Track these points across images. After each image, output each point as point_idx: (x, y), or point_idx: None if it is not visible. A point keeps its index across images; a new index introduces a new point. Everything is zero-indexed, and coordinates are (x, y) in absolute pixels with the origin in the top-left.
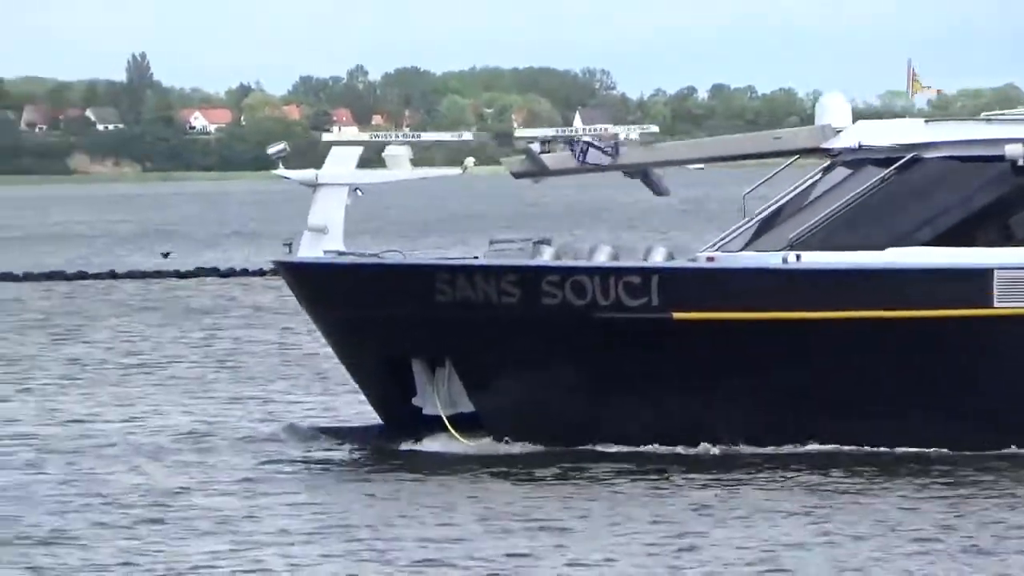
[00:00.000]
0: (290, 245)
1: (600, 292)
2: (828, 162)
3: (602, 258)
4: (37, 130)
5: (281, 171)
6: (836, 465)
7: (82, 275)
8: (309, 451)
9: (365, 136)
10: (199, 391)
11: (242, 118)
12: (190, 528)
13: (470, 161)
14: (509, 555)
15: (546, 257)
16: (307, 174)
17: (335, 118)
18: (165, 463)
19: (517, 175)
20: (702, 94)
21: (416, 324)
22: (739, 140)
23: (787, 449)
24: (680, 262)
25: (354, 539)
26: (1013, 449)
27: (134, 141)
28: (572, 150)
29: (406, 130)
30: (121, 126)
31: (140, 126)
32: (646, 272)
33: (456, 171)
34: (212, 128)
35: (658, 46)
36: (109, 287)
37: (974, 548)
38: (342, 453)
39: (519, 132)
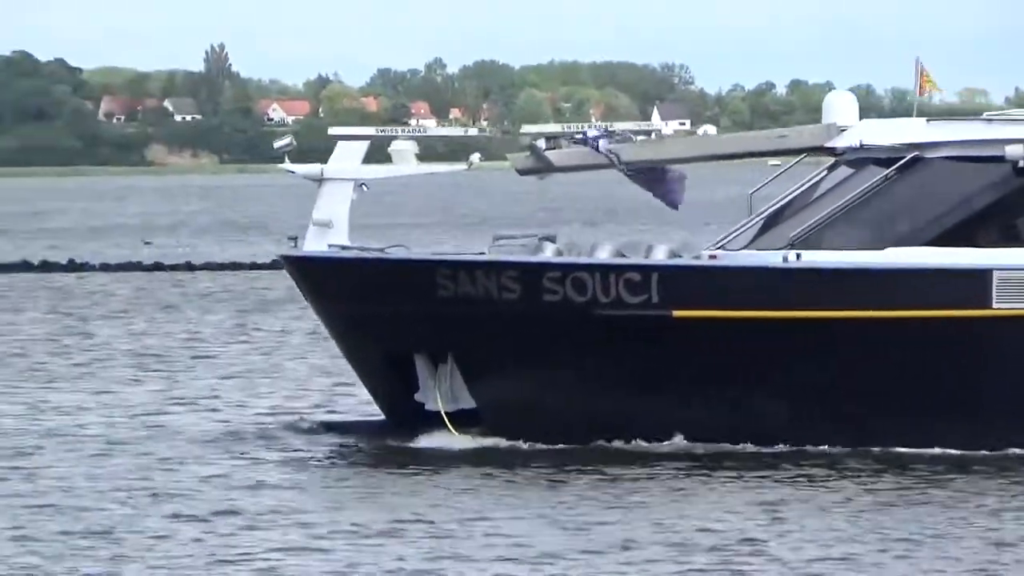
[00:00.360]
0: (295, 239)
1: (601, 289)
2: (832, 161)
3: (604, 255)
4: (115, 121)
5: (287, 165)
6: (837, 465)
7: (159, 266)
8: (300, 447)
9: (371, 131)
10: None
11: (320, 110)
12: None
13: (476, 157)
14: (499, 559)
15: (549, 254)
16: (312, 169)
17: (413, 111)
18: (190, 454)
19: (522, 172)
20: (780, 90)
21: (418, 319)
22: (744, 138)
23: (784, 448)
24: (681, 260)
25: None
26: (1012, 451)
27: (211, 132)
28: (587, 144)
29: (416, 125)
30: (199, 117)
31: (218, 117)
32: (646, 269)
33: (462, 167)
34: (290, 120)
35: (737, 41)
36: (185, 278)
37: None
38: (336, 448)
39: (525, 128)
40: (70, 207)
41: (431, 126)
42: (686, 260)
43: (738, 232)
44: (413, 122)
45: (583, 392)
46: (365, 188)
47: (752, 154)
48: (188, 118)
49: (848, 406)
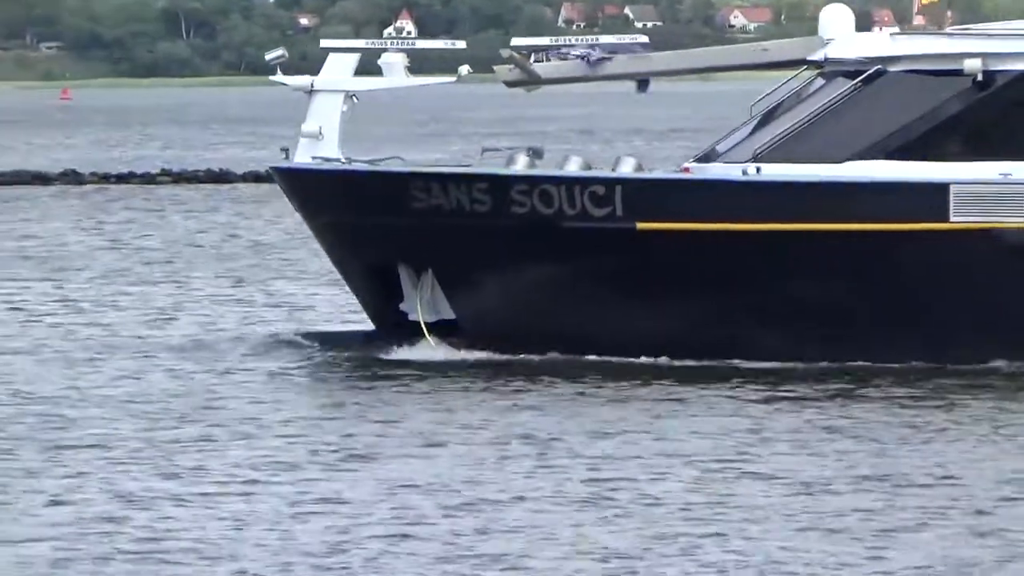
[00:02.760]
0: (287, 151)
1: (567, 201)
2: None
3: (573, 168)
4: (575, 28)
5: (278, 77)
6: (793, 379)
7: None
8: (282, 359)
9: (360, 43)
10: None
11: (783, 17)
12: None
13: (464, 69)
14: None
15: (520, 166)
16: (303, 80)
17: (875, 19)
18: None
19: (510, 84)
20: None
21: (396, 231)
22: (727, 51)
23: (746, 363)
24: (644, 173)
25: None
26: (970, 366)
27: (672, 40)
28: (564, 58)
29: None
30: (659, 24)
31: (679, 25)
32: (610, 182)
33: (451, 79)
34: (752, 27)
35: None
36: None
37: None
38: (318, 359)
39: (514, 41)
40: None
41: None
42: (649, 173)
43: (716, 145)
44: (876, 30)
45: (553, 305)
46: (355, 100)
47: (735, 67)
48: (648, 25)
49: (807, 320)
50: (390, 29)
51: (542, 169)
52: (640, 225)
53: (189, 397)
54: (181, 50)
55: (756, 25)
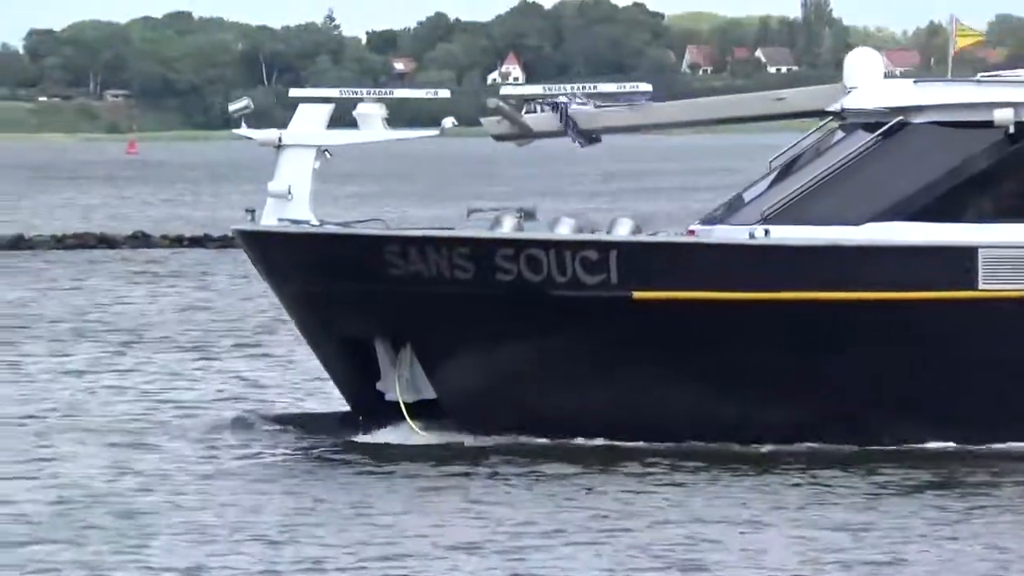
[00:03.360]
0: (253, 212)
1: (556, 268)
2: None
3: (563, 230)
4: (700, 73)
5: (243, 131)
6: (808, 462)
7: None
8: (254, 442)
9: (334, 92)
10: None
11: (932, 61)
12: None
13: (449, 121)
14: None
15: (506, 228)
16: (269, 134)
17: None
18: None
19: (498, 138)
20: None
21: (371, 300)
22: (739, 101)
23: (752, 448)
24: (641, 237)
25: (267, 540)
26: (998, 446)
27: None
28: (558, 112)
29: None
30: (795, 69)
31: (816, 69)
32: (604, 247)
33: (433, 132)
34: (898, 72)
35: None
36: None
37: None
38: (290, 444)
39: (504, 90)
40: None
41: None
42: (646, 237)
43: (726, 204)
44: None
45: (541, 384)
46: (328, 155)
47: (748, 119)
48: (783, 70)
49: (820, 399)
50: (495, 75)
51: (529, 232)
52: (637, 294)
53: (129, 496)
54: (261, 98)
55: (902, 70)
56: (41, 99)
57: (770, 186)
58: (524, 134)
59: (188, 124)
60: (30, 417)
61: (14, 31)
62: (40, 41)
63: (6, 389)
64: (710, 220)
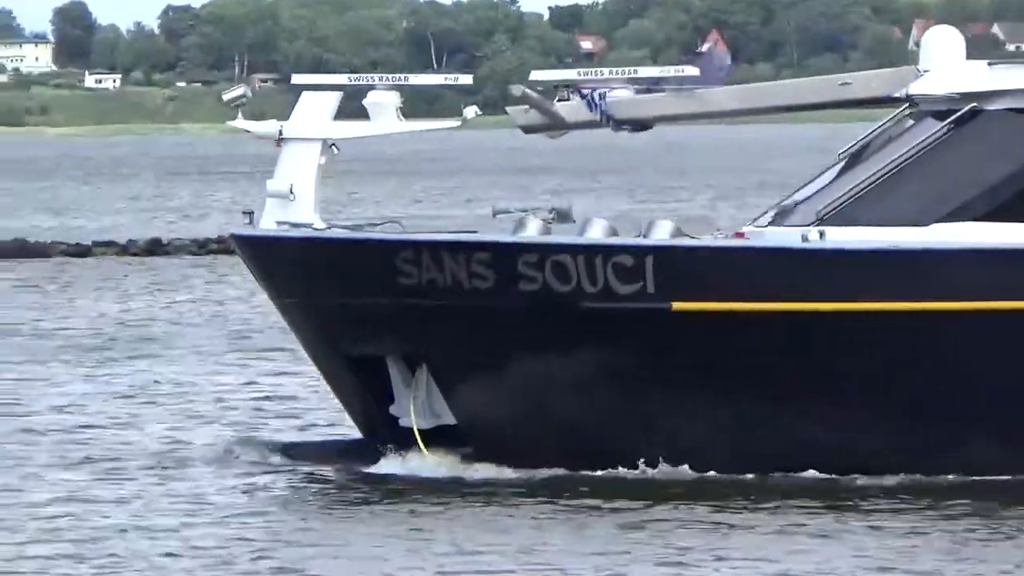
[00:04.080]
0: (251, 215)
1: (586, 276)
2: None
3: (594, 233)
4: None
5: (239, 122)
6: (869, 494)
7: None
8: (255, 473)
9: (342, 79)
10: None
11: None
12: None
13: (471, 111)
14: None
15: (531, 231)
16: (268, 127)
17: None
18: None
19: (526, 129)
20: None
21: (381, 314)
22: (797, 87)
23: (806, 475)
24: (680, 240)
25: None
26: None
27: None
28: (585, 100)
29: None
30: None
31: None
32: (639, 251)
33: (454, 123)
34: None
35: None
36: None
37: None
38: (292, 476)
39: (533, 75)
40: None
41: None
42: (686, 240)
43: (784, 203)
44: None
45: (569, 407)
46: (336, 150)
47: (807, 107)
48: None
49: (883, 420)
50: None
51: (555, 236)
52: (676, 305)
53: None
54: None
55: None
56: (179, 84)
57: (829, 182)
58: (555, 125)
59: (343, 112)
60: None
61: (149, 9)
62: (177, 20)
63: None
64: (764, 221)
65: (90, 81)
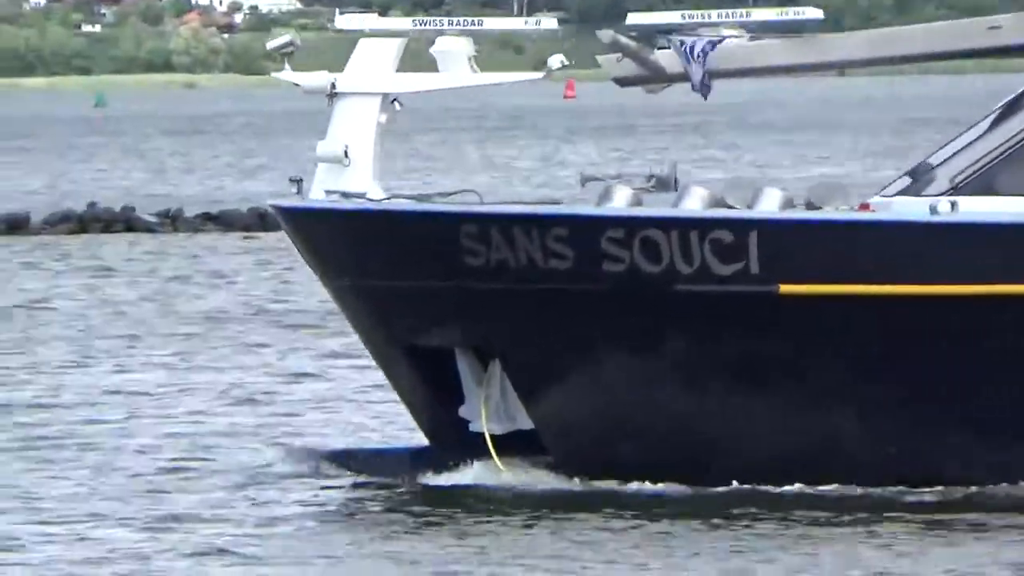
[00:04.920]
0: (299, 182)
1: (680, 254)
2: None
3: (692, 204)
4: None
5: (286, 74)
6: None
7: None
8: (301, 487)
9: (405, 23)
10: None
11: None
12: None
13: (557, 60)
14: None
15: (619, 201)
16: (319, 79)
17: None
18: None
19: (621, 82)
20: None
21: (445, 299)
22: (936, 31)
23: (941, 489)
24: (789, 213)
25: None
26: None
27: None
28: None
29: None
30: None
31: None
32: (742, 226)
33: (537, 74)
34: None
35: None
36: None
37: None
38: (347, 489)
39: (631, 18)
40: None
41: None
42: (796, 213)
43: (921, 168)
44: None
45: (664, 408)
46: (399, 106)
47: (948, 55)
48: None
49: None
50: None
51: (645, 208)
52: (784, 288)
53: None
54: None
55: None
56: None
57: (969, 143)
58: (654, 77)
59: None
60: None
61: None
62: None
63: None
64: (895, 190)
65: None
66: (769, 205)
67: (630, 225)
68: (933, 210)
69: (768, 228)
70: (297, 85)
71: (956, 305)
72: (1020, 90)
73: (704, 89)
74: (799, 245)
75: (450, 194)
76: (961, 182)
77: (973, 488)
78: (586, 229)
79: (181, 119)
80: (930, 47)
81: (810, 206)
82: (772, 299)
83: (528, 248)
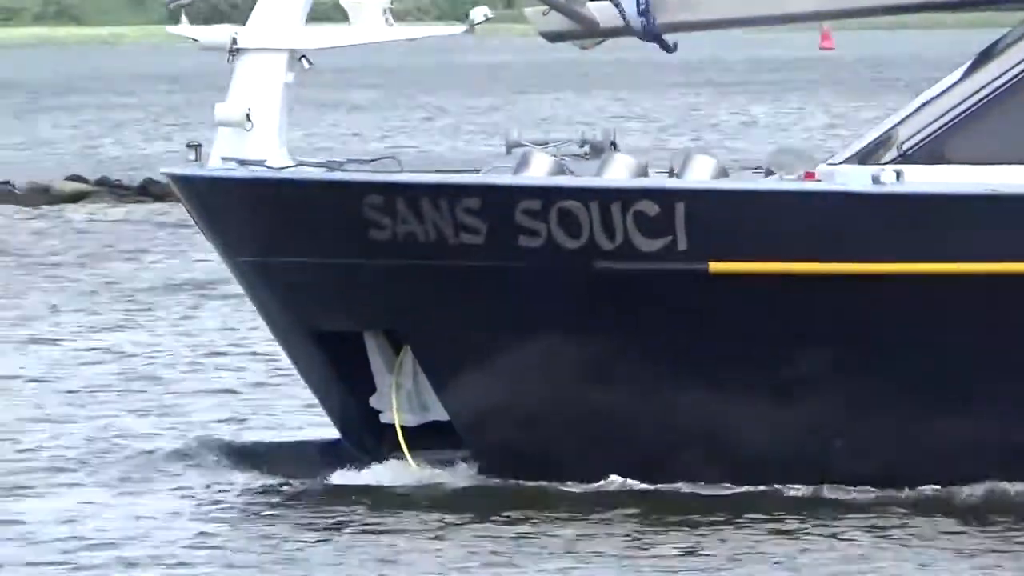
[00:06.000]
0: (197, 148)
1: (601, 228)
2: None
3: (615, 173)
4: None
5: (182, 28)
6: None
7: None
8: (200, 484)
9: None
10: None
11: None
12: None
13: (480, 13)
14: None
15: (535, 169)
16: (218, 33)
17: None
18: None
19: (550, 36)
20: None
21: (351, 277)
22: None
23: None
24: (720, 182)
25: None
26: None
27: None
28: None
29: None
30: None
31: None
32: (667, 196)
33: (458, 29)
34: None
35: None
36: None
37: None
38: (246, 487)
39: None
40: None
41: None
42: (727, 183)
43: (884, 131)
44: None
45: (584, 399)
46: (307, 64)
47: (928, 6)
48: None
49: (968, 414)
50: None
51: (558, 177)
52: (714, 266)
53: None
54: None
55: None
56: None
57: (923, 106)
58: (584, 32)
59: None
60: None
61: None
62: None
63: None
64: (845, 156)
65: None
66: (699, 173)
67: (546, 196)
68: (875, 180)
69: (696, 198)
70: (195, 40)
71: (897, 285)
72: (983, 48)
73: (648, 34)
74: (730, 218)
75: (366, 161)
76: (910, 148)
77: (929, 488)
78: (499, 200)
79: None
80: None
81: (768, 175)
82: (702, 277)
83: (437, 221)
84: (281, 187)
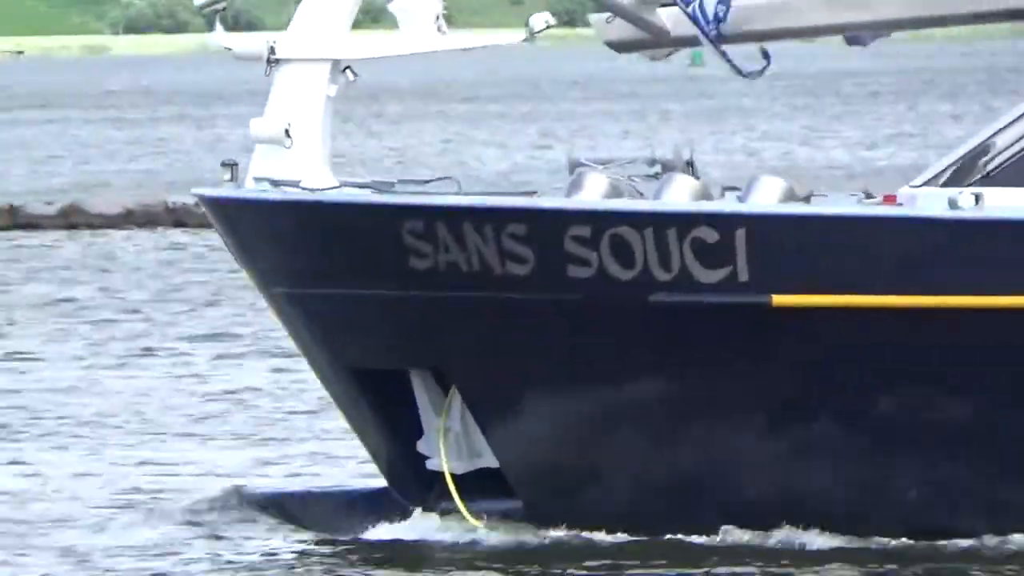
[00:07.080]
0: (234, 167)
1: (656, 258)
2: None
3: (674, 196)
4: None
5: (218, 36)
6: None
7: None
8: (231, 538)
9: None
10: None
11: None
12: None
13: (541, 20)
14: None
15: (588, 192)
16: (255, 42)
17: None
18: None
19: (617, 47)
20: None
21: (391, 310)
22: None
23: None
24: (787, 206)
25: None
26: None
27: None
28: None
29: None
30: None
31: None
32: (728, 223)
33: (515, 38)
34: None
35: None
36: None
37: None
38: (284, 543)
39: None
40: None
41: None
42: (795, 207)
43: (971, 150)
44: None
45: (638, 447)
46: (352, 76)
47: (988, 17)
48: None
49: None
50: None
51: (612, 201)
52: (777, 300)
53: None
54: None
55: None
56: None
57: (1012, 122)
58: (653, 41)
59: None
60: None
61: None
62: None
63: None
64: (938, 177)
65: None
66: (767, 196)
67: (596, 221)
68: (953, 204)
69: (759, 225)
70: (229, 49)
71: (976, 320)
72: None
73: (716, 46)
74: (797, 247)
75: (420, 182)
76: (994, 169)
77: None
78: (546, 225)
79: None
80: (963, 7)
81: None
82: (764, 311)
83: (481, 248)
84: (313, 211)
